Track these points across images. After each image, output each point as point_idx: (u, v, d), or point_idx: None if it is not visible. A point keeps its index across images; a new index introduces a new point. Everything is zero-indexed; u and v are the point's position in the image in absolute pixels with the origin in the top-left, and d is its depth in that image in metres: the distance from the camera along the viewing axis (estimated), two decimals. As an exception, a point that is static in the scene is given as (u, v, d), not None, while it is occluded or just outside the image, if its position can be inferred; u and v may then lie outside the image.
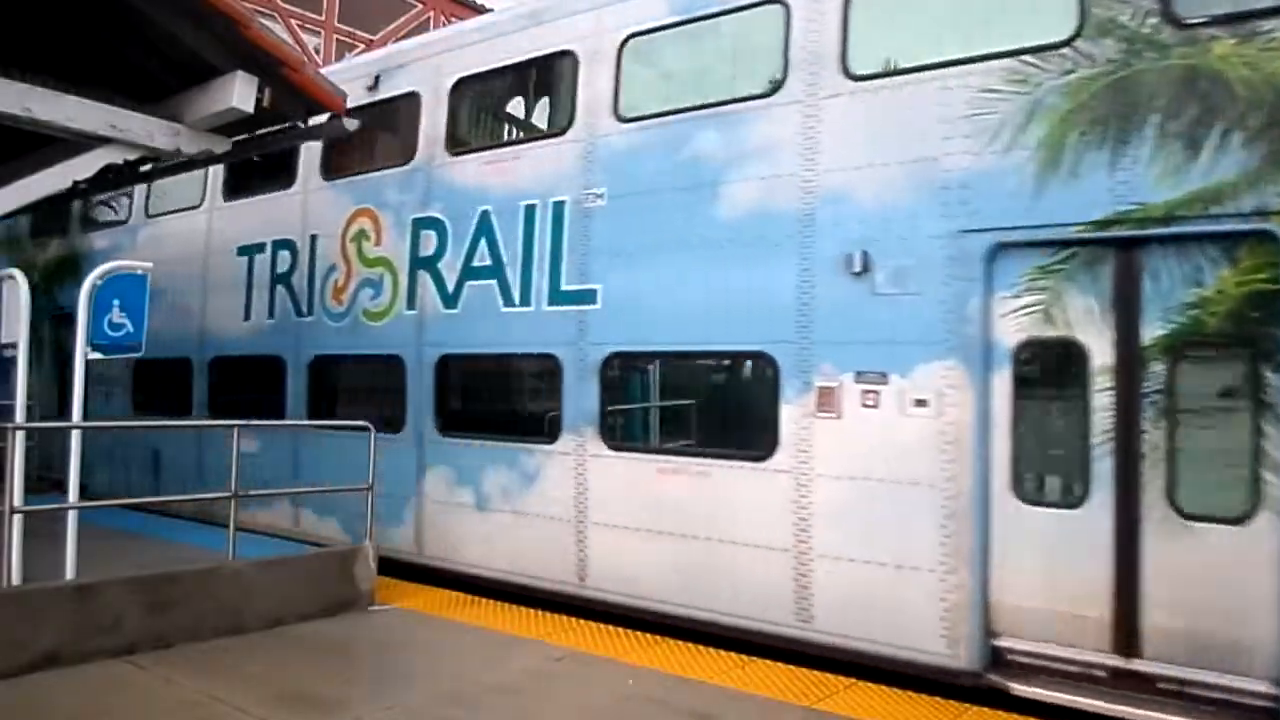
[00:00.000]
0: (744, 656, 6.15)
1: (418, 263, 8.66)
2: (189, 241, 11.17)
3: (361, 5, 23.79)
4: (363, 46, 22.46)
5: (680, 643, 6.44)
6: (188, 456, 10.50)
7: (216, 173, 10.56)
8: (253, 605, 6.44)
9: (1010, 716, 5.23)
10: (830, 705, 5.30)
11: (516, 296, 7.87)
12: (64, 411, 12.06)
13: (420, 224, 8.66)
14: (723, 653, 6.24)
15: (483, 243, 8.15)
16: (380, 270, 8.98)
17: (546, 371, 7.74)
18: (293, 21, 22.60)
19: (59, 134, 6.47)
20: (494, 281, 8.04)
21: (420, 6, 24.78)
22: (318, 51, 22.78)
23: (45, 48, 6.73)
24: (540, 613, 7.17)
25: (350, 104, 8.58)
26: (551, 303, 7.64)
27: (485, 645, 6.33)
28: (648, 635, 6.61)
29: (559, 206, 7.65)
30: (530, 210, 7.83)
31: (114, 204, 12.63)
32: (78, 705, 4.98)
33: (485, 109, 9.10)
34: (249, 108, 6.71)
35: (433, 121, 8.71)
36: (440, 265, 8.46)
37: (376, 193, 9.13)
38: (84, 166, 6.71)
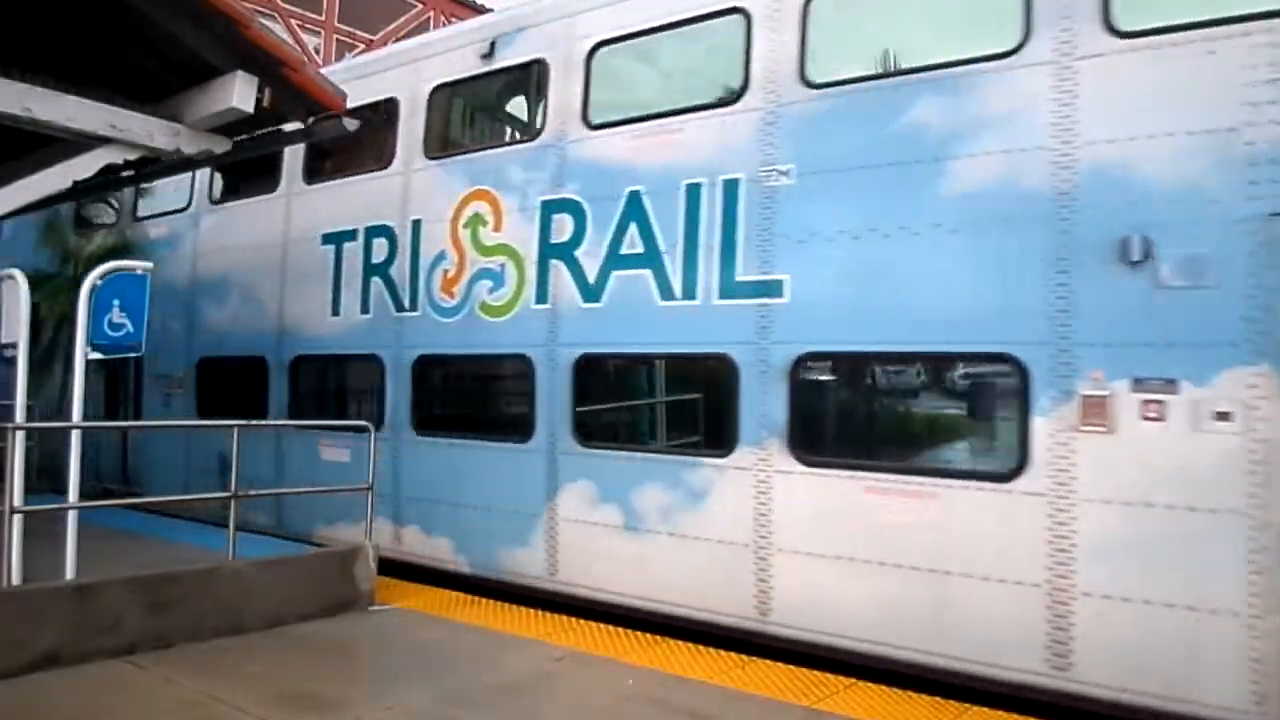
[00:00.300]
0: (744, 656, 6.15)
1: (549, 251, 7.71)
2: (263, 230, 10.22)
3: (361, 5, 23.81)
4: (363, 46, 22.46)
5: (680, 643, 6.43)
6: (264, 462, 9.41)
7: (296, 155, 9.83)
8: (253, 605, 6.44)
9: (1010, 716, 5.23)
10: (830, 705, 5.29)
11: (677, 288, 6.94)
12: (114, 415, 12.10)
13: (552, 207, 7.73)
14: (723, 653, 6.24)
15: (633, 228, 7.21)
16: (501, 259, 8.03)
17: (715, 374, 6.87)
18: (293, 21, 22.61)
19: (59, 134, 6.46)
20: (647, 271, 7.10)
21: (420, 6, 24.79)
22: (318, 51, 22.78)
23: (45, 48, 6.72)
24: (540, 613, 7.16)
25: (460, 75, 8.46)
26: (723, 295, 6.71)
27: (485, 645, 6.33)
28: (648, 635, 6.61)
29: (731, 186, 6.72)
30: (694, 190, 6.90)
31: (169, 191, 11.77)
32: (78, 705, 4.98)
33: (632, 76, 8.04)
34: (249, 108, 6.69)
35: (565, 92, 7.76)
36: (578, 253, 7.53)
37: (495, 172, 8.18)
38: (84, 166, 6.69)
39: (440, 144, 8.84)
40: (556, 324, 7.63)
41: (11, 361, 6.61)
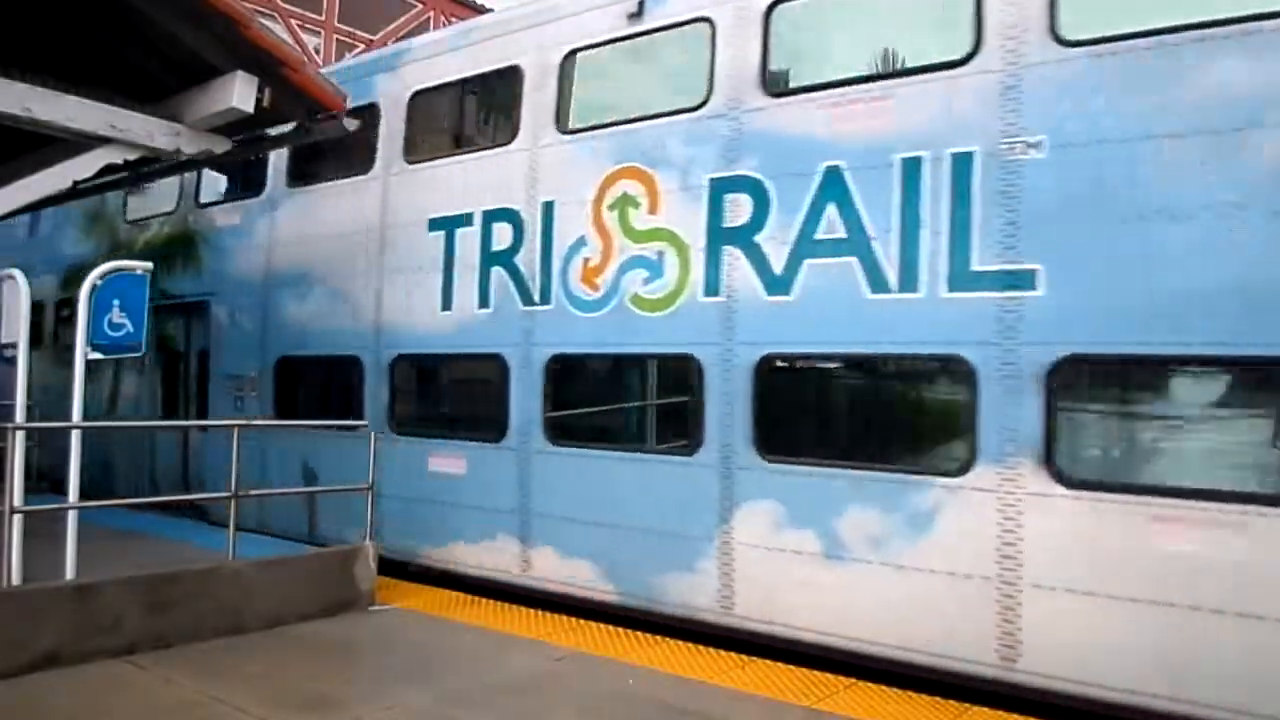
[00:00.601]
0: (744, 656, 6.15)
1: (721, 236, 6.74)
2: (355, 215, 9.21)
3: (361, 5, 23.81)
4: (362, 46, 22.46)
5: (680, 643, 6.43)
6: (354, 469, 8.21)
7: (394, 133, 8.97)
8: (253, 605, 6.44)
9: (1010, 716, 5.23)
10: (830, 705, 5.29)
11: (892, 279, 5.99)
12: (173, 418, 11.30)
13: (724, 186, 6.77)
14: (723, 653, 6.24)
15: (831, 209, 6.27)
16: (659, 246, 7.04)
17: (945, 378, 6.05)
18: (293, 21, 22.61)
19: (59, 134, 6.47)
20: (852, 259, 6.17)
21: (420, 6, 24.78)
22: (318, 51, 22.79)
23: (45, 48, 6.72)
24: (540, 613, 7.16)
25: (605, 36, 7.62)
26: (954, 288, 5.78)
27: (485, 645, 6.33)
28: (648, 635, 6.61)
29: (962, 160, 5.78)
30: (912, 165, 5.97)
31: (241, 174, 10.84)
32: (78, 705, 4.98)
33: (822, 35, 6.99)
34: (249, 108, 6.70)
35: (737, 56, 6.82)
36: (759, 239, 6.56)
37: (649, 147, 7.19)
38: (84, 166, 6.70)
39: (577, 116, 7.79)
40: (732, 319, 6.68)
41: (12, 361, 6.60)
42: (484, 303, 8.13)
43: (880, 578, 5.97)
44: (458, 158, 8.64)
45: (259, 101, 6.75)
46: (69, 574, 6.14)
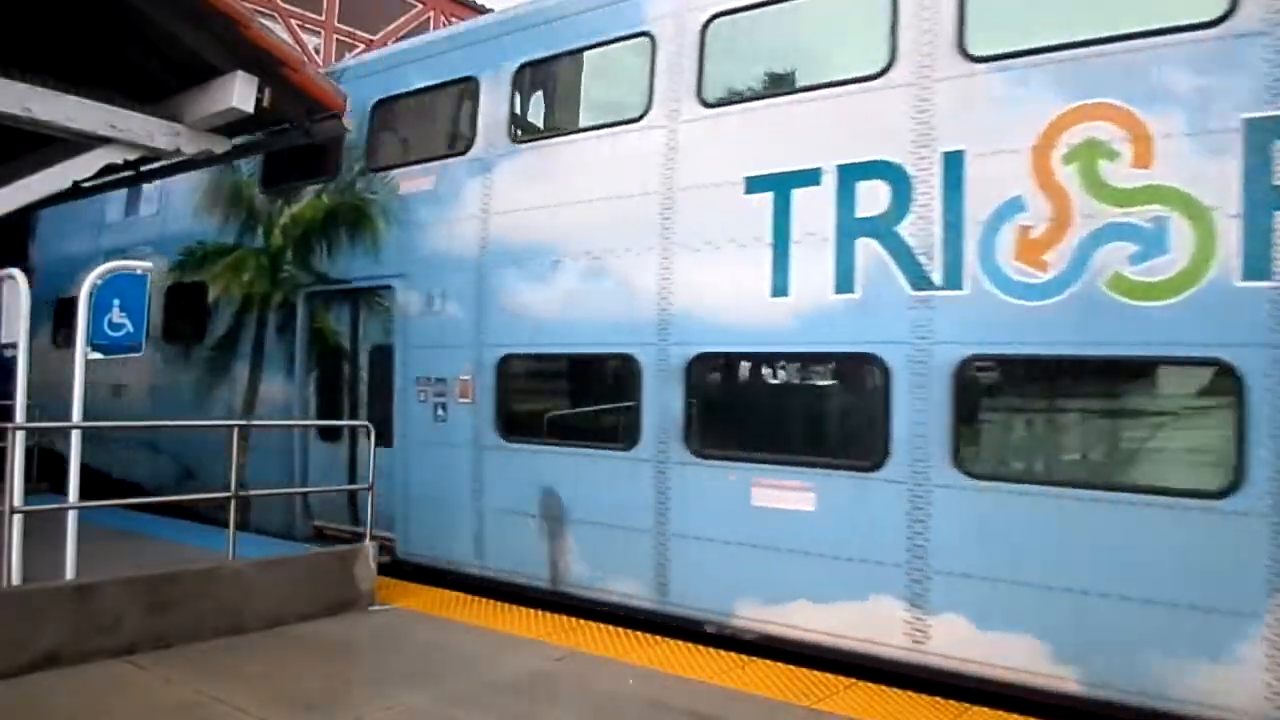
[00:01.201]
0: (744, 656, 6.15)
1: (1274, 198, 4.94)
2: (620, 174, 7.29)
3: (361, 5, 23.81)
4: (362, 47, 22.46)
5: (680, 643, 6.43)
6: (633, 510, 7.11)
7: (683, 67, 7.01)
8: (253, 605, 6.44)
9: (1010, 716, 5.23)
10: (830, 705, 5.29)
11: None
12: (343, 432, 9.20)
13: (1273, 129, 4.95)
14: (723, 653, 6.24)
15: None
16: (1155, 210, 5.23)
17: None
18: (293, 21, 22.61)
19: (59, 134, 6.47)
20: None
21: (420, 6, 24.78)
22: (318, 51, 22.79)
23: (45, 48, 6.72)
24: (540, 613, 7.15)
25: None
26: None
27: (485, 645, 6.33)
28: (648, 635, 6.60)
29: None
30: None
31: (434, 133, 9.09)
32: (78, 705, 4.98)
33: None
34: (249, 108, 6.70)
35: None
36: None
37: (1122, 79, 5.38)
38: (84, 166, 6.70)
39: (998, 37, 5.85)
40: None
41: (12, 361, 6.59)
42: (845, 286, 6.23)
43: None
44: (792, 97, 6.68)
45: (259, 101, 6.76)
46: (69, 574, 6.14)
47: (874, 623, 5.96)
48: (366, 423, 8.01)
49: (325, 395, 9.53)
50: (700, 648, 6.33)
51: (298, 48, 17.74)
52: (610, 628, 6.78)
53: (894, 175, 6.10)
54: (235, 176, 10.15)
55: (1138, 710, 5.14)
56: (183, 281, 10.75)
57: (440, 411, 8.19)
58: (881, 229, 6.12)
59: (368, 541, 7.27)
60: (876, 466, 6.02)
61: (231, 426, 7.19)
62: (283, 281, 9.62)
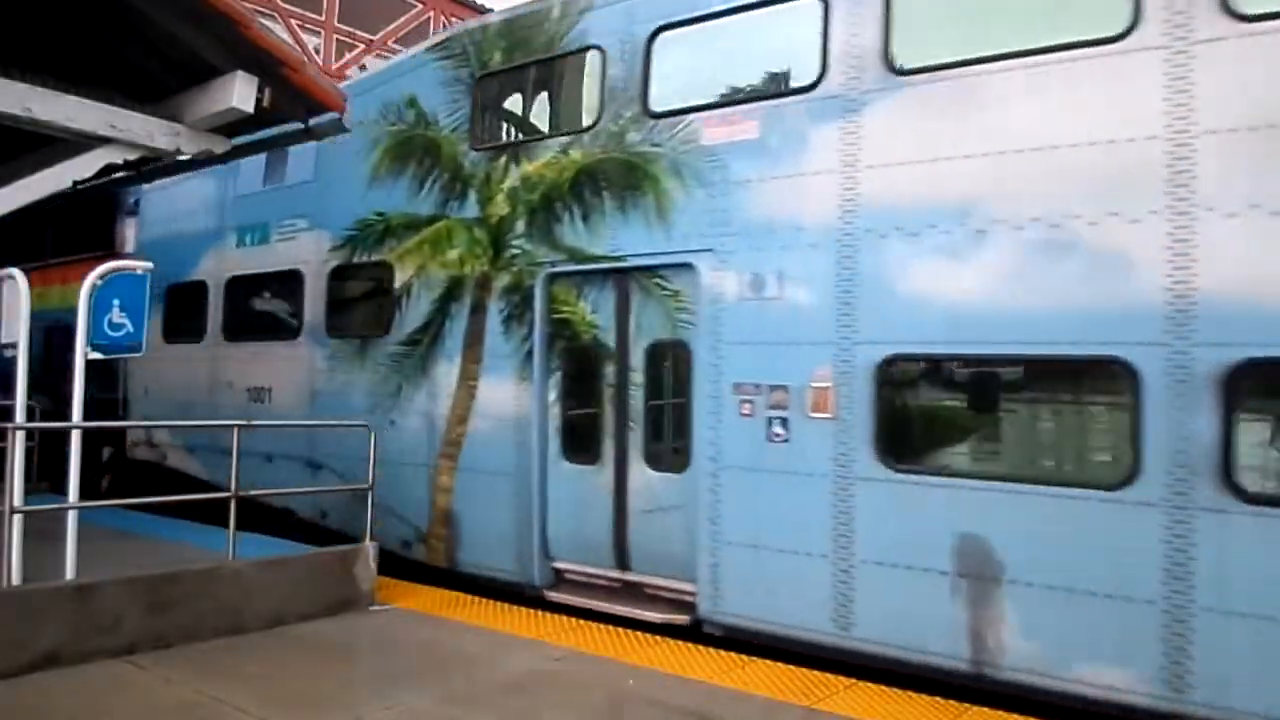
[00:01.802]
0: (744, 656, 6.15)
1: None
2: (1090, 115, 5.30)
3: (361, 5, 23.80)
4: (362, 46, 22.45)
5: (680, 643, 6.43)
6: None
7: None
8: (253, 605, 6.45)
9: (1009, 716, 5.23)
10: (830, 705, 5.29)
11: None
12: (622, 452, 7.20)
13: None
14: (723, 653, 6.23)
15: None
16: None
17: None
18: (293, 21, 22.61)
19: (59, 134, 6.48)
20: None
21: (420, 6, 24.78)
22: (318, 51, 22.80)
23: (45, 48, 6.73)
24: (540, 613, 7.15)
25: None
26: None
27: (485, 645, 6.33)
28: (647, 635, 6.60)
29: None
30: None
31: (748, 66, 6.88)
32: (78, 705, 4.98)
33: None
34: (249, 108, 6.71)
35: None
36: None
37: None
38: (84, 166, 6.71)
39: None
40: None
41: (11, 361, 6.59)
42: None
43: None
44: None
45: (259, 101, 6.76)
46: (69, 574, 6.14)
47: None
48: (365, 423, 7.79)
49: (574, 404, 7.60)
50: (700, 648, 6.33)
51: (298, 48, 17.75)
52: (610, 628, 6.78)
53: None
54: (433, 132, 8.39)
55: None
56: (353, 262, 9.07)
57: (778, 429, 6.32)
58: None
59: (368, 541, 7.27)
60: None
61: (231, 426, 7.17)
62: (510, 260, 7.81)
